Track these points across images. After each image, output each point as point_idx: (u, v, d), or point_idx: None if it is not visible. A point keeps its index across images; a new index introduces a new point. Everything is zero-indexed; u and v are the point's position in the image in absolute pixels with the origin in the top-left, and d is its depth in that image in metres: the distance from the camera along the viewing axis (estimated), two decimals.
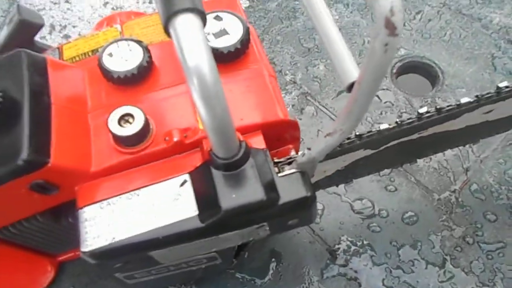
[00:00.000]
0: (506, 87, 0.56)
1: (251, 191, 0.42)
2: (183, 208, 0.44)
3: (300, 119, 0.86)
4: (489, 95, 0.56)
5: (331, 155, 0.55)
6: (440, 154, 0.78)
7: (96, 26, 0.64)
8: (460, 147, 0.78)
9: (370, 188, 0.75)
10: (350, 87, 0.41)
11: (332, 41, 0.44)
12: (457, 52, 0.89)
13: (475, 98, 0.56)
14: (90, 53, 0.54)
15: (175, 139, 0.46)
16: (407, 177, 0.76)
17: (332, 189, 0.75)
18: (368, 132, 0.54)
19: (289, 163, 0.48)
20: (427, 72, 0.90)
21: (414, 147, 0.60)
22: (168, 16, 0.32)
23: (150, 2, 1.03)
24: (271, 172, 0.45)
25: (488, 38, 0.90)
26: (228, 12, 0.53)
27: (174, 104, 0.51)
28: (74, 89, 0.51)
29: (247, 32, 0.52)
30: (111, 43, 0.50)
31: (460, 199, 0.73)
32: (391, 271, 0.67)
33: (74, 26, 0.99)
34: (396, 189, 0.75)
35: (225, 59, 0.51)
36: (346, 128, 0.40)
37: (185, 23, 0.32)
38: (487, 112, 0.59)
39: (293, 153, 0.50)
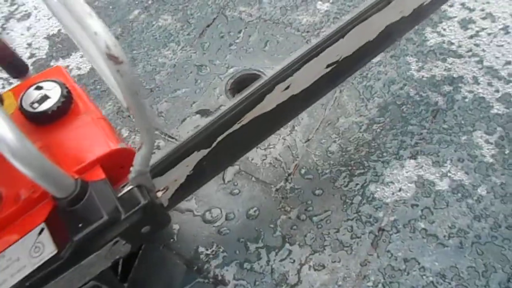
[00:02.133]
0: (287, 64, 0.64)
1: (94, 216, 0.50)
2: (44, 252, 0.51)
3: (154, 152, 0.94)
4: (278, 73, 0.64)
5: (170, 165, 0.62)
6: (273, 150, 0.89)
7: None
8: (287, 138, 0.89)
9: (217, 197, 0.84)
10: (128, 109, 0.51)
11: (105, 75, 0.53)
12: (276, 56, 1.02)
13: (269, 79, 0.64)
14: None
15: (23, 197, 0.53)
16: (248, 177, 0.86)
17: (185, 207, 0.84)
18: (193, 134, 0.61)
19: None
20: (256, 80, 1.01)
21: (243, 136, 0.67)
22: None
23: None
24: (111, 195, 0.52)
25: (299, 37, 1.04)
26: (48, 81, 0.62)
27: (14, 168, 0.58)
28: None
29: (66, 92, 0.60)
30: None
31: (292, 184, 0.83)
32: (241, 265, 0.75)
33: None
34: (239, 191, 0.84)
35: (53, 118, 0.60)
36: (146, 139, 0.49)
37: None
38: (287, 88, 0.67)
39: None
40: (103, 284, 0.60)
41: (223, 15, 1.12)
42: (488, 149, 0.79)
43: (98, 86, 1.06)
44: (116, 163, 0.58)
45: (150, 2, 1.19)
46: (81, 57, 1.13)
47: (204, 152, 0.65)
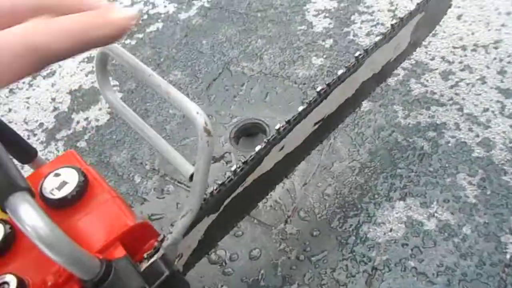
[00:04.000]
0: (280, 127, 0.70)
1: None
2: None
3: (164, 197, 1.02)
4: (273, 136, 0.70)
5: (186, 232, 0.66)
6: (273, 193, 0.96)
7: None
8: (286, 182, 0.96)
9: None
10: (191, 177, 0.57)
11: (164, 149, 0.61)
12: (276, 107, 1.12)
13: (265, 143, 0.71)
14: None
15: (50, 283, 0.56)
16: (251, 220, 0.92)
17: None
18: (203, 200, 0.67)
19: (156, 252, 0.60)
20: (258, 129, 1.10)
21: (247, 196, 0.74)
22: (1, 199, 0.41)
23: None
24: (135, 270, 0.56)
25: (297, 89, 1.14)
26: (64, 167, 0.67)
27: (41, 254, 0.63)
28: None
29: (82, 176, 0.65)
30: None
31: (291, 226, 0.89)
32: None
33: None
34: (242, 233, 0.91)
35: (73, 202, 0.64)
36: (194, 207, 0.55)
37: (14, 201, 0.41)
38: (281, 149, 0.76)
39: (156, 243, 0.61)
40: None
41: (228, 70, 1.24)
42: (471, 190, 0.86)
43: (114, 136, 1.17)
44: (135, 238, 0.62)
45: (162, 59, 1.32)
46: (99, 109, 1.25)
47: (213, 216, 0.71)
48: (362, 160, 0.96)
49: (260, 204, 0.94)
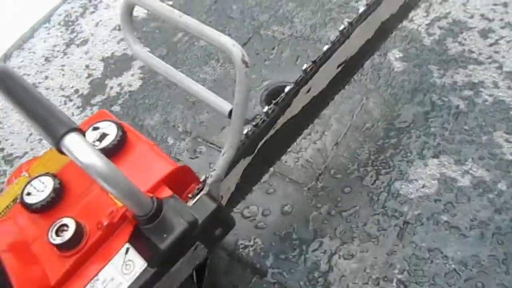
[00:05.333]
0: (306, 67, 0.72)
1: (175, 226, 0.55)
2: (135, 267, 0.57)
3: (197, 157, 1.05)
4: (300, 79, 0.72)
5: (225, 173, 0.69)
6: (304, 153, 0.97)
7: (7, 183, 0.81)
8: (318, 143, 0.97)
9: (255, 195, 0.93)
10: (229, 114, 0.58)
11: (199, 93, 0.63)
12: None
13: (293, 85, 0.72)
14: (11, 204, 0.70)
15: (105, 223, 0.59)
16: (282, 178, 0.94)
17: None
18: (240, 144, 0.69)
19: (202, 190, 0.62)
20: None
21: (279, 140, 0.76)
22: (57, 141, 0.46)
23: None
24: (184, 206, 0.59)
25: None
26: (102, 121, 0.70)
27: (93, 200, 0.64)
28: (11, 235, 0.65)
29: (120, 128, 0.68)
30: (25, 185, 0.65)
31: (322, 183, 0.91)
32: (277, 255, 0.83)
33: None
34: (274, 190, 0.93)
35: (115, 152, 0.67)
36: (234, 143, 0.57)
37: (71, 140, 0.46)
38: (308, 91, 0.76)
39: (199, 186, 0.64)
40: None
41: (258, 34, 1.24)
42: (508, 147, 0.84)
43: (146, 101, 1.20)
44: (177, 180, 0.64)
45: None
46: (132, 75, 1.28)
47: (249, 159, 0.73)
48: (395, 120, 0.95)
49: (292, 164, 0.96)
